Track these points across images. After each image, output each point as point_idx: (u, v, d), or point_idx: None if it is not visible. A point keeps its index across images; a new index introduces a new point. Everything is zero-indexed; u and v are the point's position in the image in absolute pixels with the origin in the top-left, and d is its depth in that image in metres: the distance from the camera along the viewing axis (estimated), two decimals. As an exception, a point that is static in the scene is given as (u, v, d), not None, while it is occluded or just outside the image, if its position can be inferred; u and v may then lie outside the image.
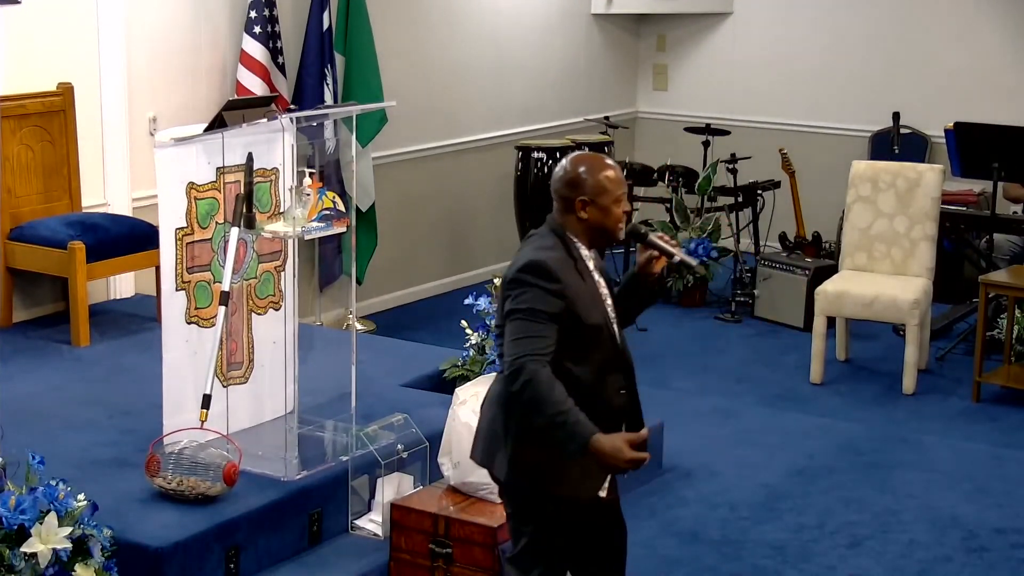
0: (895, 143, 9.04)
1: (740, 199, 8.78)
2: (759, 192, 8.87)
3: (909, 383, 7.07)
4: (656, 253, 3.82)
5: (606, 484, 3.79)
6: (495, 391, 3.78)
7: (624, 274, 3.88)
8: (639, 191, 8.98)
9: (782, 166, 8.92)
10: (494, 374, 5.01)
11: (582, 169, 3.72)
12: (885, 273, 7.35)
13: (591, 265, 3.74)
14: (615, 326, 3.77)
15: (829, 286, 7.22)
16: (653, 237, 3.83)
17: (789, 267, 8.22)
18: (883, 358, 7.64)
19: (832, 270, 7.76)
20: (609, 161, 3.77)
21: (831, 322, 7.29)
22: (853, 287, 7.17)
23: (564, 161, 3.78)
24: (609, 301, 3.77)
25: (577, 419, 3.48)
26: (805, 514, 5.61)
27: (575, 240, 3.72)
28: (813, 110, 9.77)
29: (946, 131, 7.84)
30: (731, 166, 8.71)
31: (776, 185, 8.95)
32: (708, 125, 9.04)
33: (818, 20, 9.68)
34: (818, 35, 9.69)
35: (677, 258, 3.81)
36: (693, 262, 3.89)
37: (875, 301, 7.07)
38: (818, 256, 8.48)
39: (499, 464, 3.73)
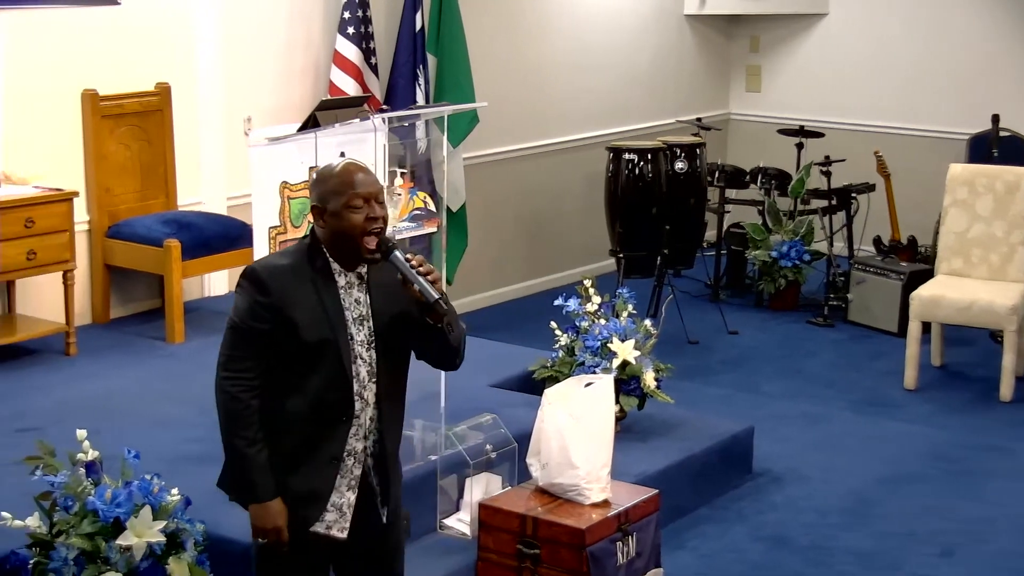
0: (994, 146, 8.88)
1: (834, 202, 8.70)
2: (853, 195, 8.78)
3: (1006, 390, 6.95)
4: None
5: (341, 524, 3.48)
6: None
7: None
8: (731, 193, 8.93)
9: (877, 169, 8.81)
10: (583, 376, 5.01)
11: (317, 175, 3.46)
12: (982, 278, 7.24)
13: (342, 280, 3.41)
14: (362, 349, 3.43)
15: (924, 291, 7.13)
16: (398, 255, 3.37)
17: (883, 271, 8.12)
18: (979, 364, 7.52)
19: (927, 275, 7.66)
20: (353, 163, 3.44)
21: (926, 327, 7.20)
22: (949, 292, 7.07)
23: None
24: (370, 323, 3.43)
25: (257, 471, 3.37)
26: (894, 521, 5.54)
27: (326, 251, 3.41)
28: (909, 112, 9.64)
29: (1046, 134, 7.71)
30: (825, 168, 8.63)
31: (871, 188, 8.85)
32: (802, 127, 8.96)
33: (915, 20, 9.56)
34: (915, 36, 9.57)
35: (416, 286, 3.32)
36: (433, 295, 3.33)
37: (972, 306, 6.97)
38: (913, 260, 8.37)
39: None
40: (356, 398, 3.43)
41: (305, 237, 3.48)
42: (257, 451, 3.39)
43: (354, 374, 3.41)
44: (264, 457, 3.39)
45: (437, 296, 3.35)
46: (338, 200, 3.36)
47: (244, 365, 3.40)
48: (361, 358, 3.43)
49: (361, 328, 3.43)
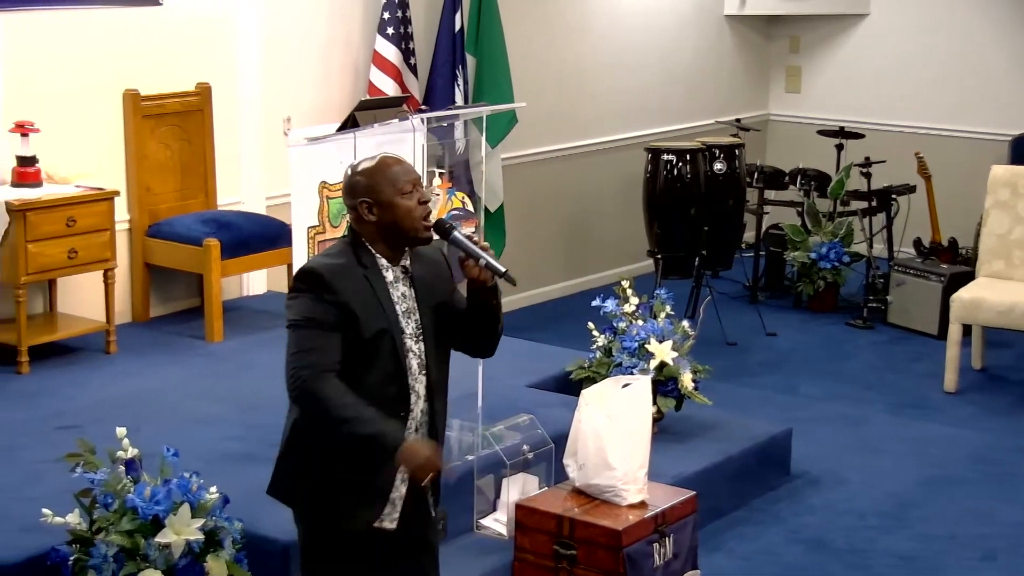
0: (1036, 147, 8.84)
1: (874, 203, 8.66)
2: (893, 196, 8.73)
3: (1047, 394, 6.92)
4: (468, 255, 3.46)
5: (392, 515, 3.50)
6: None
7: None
8: (770, 194, 8.89)
9: (918, 170, 8.76)
10: (620, 376, 5.00)
11: (354, 171, 3.48)
12: (1023, 280, 7.18)
13: (389, 275, 3.45)
14: (411, 342, 3.46)
15: (965, 293, 7.08)
16: (459, 235, 3.47)
17: (924, 273, 8.07)
18: (1020, 367, 7.47)
19: (968, 277, 7.61)
20: (390, 156, 3.50)
21: (966, 330, 7.15)
22: (990, 294, 7.02)
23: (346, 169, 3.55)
24: (416, 316, 3.47)
25: (375, 422, 3.30)
26: (934, 525, 5.50)
27: (372, 247, 3.44)
28: (951, 113, 9.58)
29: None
30: (865, 170, 8.58)
31: (911, 189, 8.80)
32: (842, 128, 8.92)
33: (957, 21, 9.49)
34: (957, 36, 9.50)
35: (483, 261, 3.41)
36: (500, 268, 3.43)
37: (1013, 309, 6.91)
38: (954, 262, 8.32)
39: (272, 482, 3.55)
40: (410, 391, 3.46)
41: (344, 237, 3.51)
42: (363, 407, 3.32)
43: (407, 367, 3.45)
44: (371, 410, 3.32)
45: (504, 269, 3.42)
46: (389, 189, 3.41)
47: (316, 356, 3.34)
48: (412, 351, 3.47)
49: (409, 321, 3.47)
